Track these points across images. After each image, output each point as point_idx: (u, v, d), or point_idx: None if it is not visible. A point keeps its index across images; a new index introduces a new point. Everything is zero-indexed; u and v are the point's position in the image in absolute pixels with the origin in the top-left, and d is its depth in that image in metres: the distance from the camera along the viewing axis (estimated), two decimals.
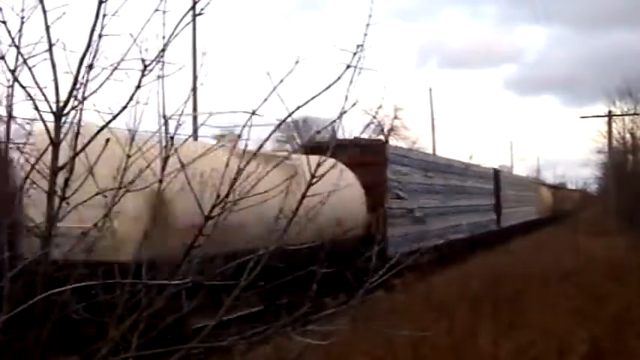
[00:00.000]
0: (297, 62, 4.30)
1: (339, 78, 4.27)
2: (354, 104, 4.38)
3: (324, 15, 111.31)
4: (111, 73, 4.31)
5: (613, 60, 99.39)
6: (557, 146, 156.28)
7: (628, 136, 48.46)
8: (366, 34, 4.24)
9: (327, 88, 4.33)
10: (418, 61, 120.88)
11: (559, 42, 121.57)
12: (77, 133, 4.29)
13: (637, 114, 46.80)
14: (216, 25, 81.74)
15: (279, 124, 4.79)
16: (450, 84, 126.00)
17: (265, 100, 4.39)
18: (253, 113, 4.43)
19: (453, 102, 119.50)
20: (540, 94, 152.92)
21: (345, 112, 4.42)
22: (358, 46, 4.24)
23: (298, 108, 4.39)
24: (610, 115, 43.32)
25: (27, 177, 4.37)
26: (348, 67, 4.26)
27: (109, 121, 4.49)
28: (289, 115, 4.45)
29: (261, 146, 4.89)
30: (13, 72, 4.29)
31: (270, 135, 4.89)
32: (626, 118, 47.60)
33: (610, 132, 42.85)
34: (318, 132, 5.16)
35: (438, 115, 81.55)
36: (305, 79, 4.36)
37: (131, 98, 4.54)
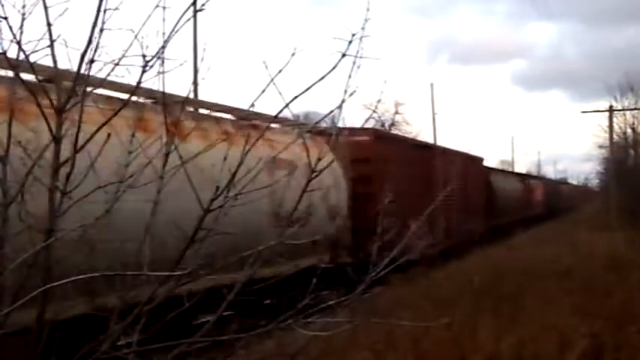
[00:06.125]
0: (293, 54, 4.31)
1: (334, 67, 4.27)
2: (352, 93, 4.39)
3: (333, 12, 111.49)
4: (112, 69, 4.33)
5: (622, 56, 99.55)
6: (560, 141, 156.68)
7: (629, 130, 48.55)
8: (363, 28, 4.25)
9: (321, 79, 4.34)
10: (429, 56, 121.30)
11: (569, 38, 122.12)
12: (78, 130, 4.30)
13: (638, 109, 46.83)
14: (227, 20, 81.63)
15: (277, 115, 4.81)
16: (459, 79, 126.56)
17: (263, 91, 4.41)
18: (252, 105, 4.46)
19: (462, 97, 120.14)
20: (548, 90, 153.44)
21: (344, 101, 4.44)
22: (353, 35, 4.25)
23: (295, 98, 4.41)
24: (611, 110, 43.26)
25: (29, 173, 4.38)
26: (344, 55, 4.27)
27: (111, 118, 4.52)
28: (286, 106, 4.46)
29: (259, 137, 4.91)
30: (14, 68, 4.31)
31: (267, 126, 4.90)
32: (628, 112, 47.67)
33: (611, 127, 42.79)
34: (317, 122, 5.17)
35: (443, 111, 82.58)
36: (313, 76, 4.36)
37: (133, 94, 4.54)
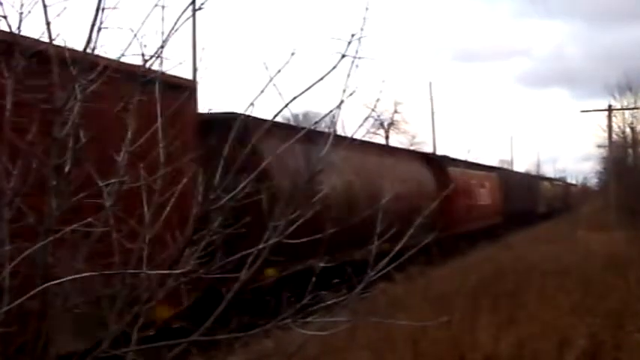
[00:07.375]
0: (292, 54, 4.31)
1: (334, 67, 4.27)
2: (352, 93, 4.39)
3: (333, 9, 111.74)
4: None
5: (622, 56, 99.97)
6: (560, 141, 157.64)
7: (628, 130, 48.63)
8: (362, 28, 4.25)
9: (321, 79, 4.33)
10: (431, 54, 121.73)
11: (572, 36, 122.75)
12: (77, 128, 4.29)
13: (637, 108, 46.90)
14: (227, 19, 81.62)
15: (276, 115, 4.78)
16: (461, 77, 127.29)
17: (262, 91, 4.40)
18: (251, 104, 4.44)
19: (463, 96, 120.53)
20: (551, 88, 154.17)
21: (342, 101, 4.43)
22: (353, 35, 4.25)
23: (294, 99, 4.40)
24: (610, 109, 43.27)
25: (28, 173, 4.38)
26: (344, 56, 4.27)
27: (116, 113, 4.52)
28: (285, 106, 4.45)
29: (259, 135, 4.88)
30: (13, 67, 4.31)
31: (265, 127, 4.87)
32: (627, 112, 47.74)
33: (610, 126, 42.81)
34: (316, 122, 5.14)
35: (443, 110, 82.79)
36: (312, 74, 4.36)
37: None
